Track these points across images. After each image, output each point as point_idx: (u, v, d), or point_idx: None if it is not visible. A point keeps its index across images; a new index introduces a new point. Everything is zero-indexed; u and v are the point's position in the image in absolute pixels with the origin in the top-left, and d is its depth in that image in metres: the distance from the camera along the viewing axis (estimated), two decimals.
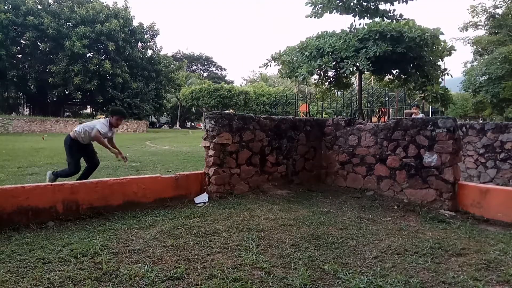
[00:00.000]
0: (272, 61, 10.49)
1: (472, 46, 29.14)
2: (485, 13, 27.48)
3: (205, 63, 62.55)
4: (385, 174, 4.66)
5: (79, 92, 30.26)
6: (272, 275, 2.30)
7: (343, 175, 5.32)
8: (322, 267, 2.43)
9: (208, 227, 3.24)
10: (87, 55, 29.57)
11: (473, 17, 28.06)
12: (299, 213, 3.83)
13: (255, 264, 2.45)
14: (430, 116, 16.90)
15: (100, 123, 4.91)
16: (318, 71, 9.92)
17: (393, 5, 10.10)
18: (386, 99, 20.88)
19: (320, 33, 9.89)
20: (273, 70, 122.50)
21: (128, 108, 31.83)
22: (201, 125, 41.62)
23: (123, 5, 32.55)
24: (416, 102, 17.10)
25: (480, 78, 21.83)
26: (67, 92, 30.06)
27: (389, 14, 10.21)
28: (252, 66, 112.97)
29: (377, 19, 9.76)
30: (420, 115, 11.06)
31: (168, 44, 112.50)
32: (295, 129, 5.40)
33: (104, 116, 30.43)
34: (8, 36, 26.64)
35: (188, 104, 33.92)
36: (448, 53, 9.35)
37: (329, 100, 17.36)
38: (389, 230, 3.27)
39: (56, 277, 2.20)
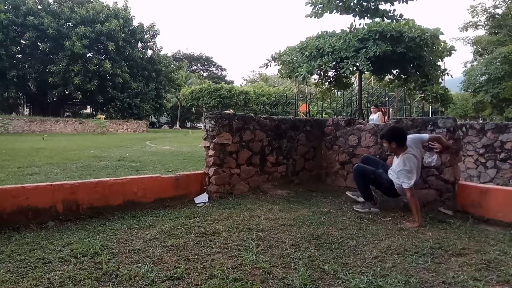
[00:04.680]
0: (272, 61, 10.50)
1: (472, 46, 29.15)
2: (485, 13, 27.49)
3: (205, 63, 62.55)
4: None
5: (79, 92, 30.27)
6: (272, 275, 2.30)
7: (343, 175, 5.32)
8: (322, 267, 2.43)
9: (208, 227, 3.24)
10: (87, 55, 29.58)
11: (473, 17, 28.08)
12: (299, 213, 3.83)
13: (255, 264, 2.44)
14: (430, 116, 16.88)
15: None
16: (318, 71, 9.92)
17: (393, 5, 10.11)
18: (386, 99, 20.89)
19: (320, 33, 9.90)
20: (273, 70, 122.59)
21: (128, 108, 31.90)
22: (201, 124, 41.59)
23: (123, 5, 32.58)
24: (375, 103, 17.17)
25: (480, 78, 21.83)
26: (67, 92, 30.06)
27: (389, 14, 10.22)
28: (252, 66, 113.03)
29: (377, 19, 9.76)
30: (376, 115, 11.23)
31: (168, 44, 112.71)
32: (295, 129, 5.40)
33: (104, 117, 30.55)
34: (8, 36, 26.64)
35: (188, 104, 33.89)
36: (448, 53, 9.36)
37: (329, 100, 17.36)
38: (389, 230, 3.27)
39: (56, 277, 2.20)
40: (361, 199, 4.12)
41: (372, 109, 12.04)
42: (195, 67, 61.25)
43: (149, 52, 35.38)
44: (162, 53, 36.05)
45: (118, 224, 3.29)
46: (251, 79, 62.85)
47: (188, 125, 54.53)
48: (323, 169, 5.67)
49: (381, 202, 4.30)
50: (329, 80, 10.85)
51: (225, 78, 61.28)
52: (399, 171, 3.70)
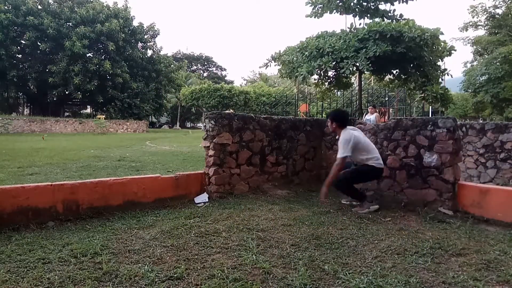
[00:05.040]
0: (272, 61, 10.52)
1: (472, 46, 29.17)
2: (485, 13, 27.51)
3: (205, 63, 62.54)
4: (385, 174, 4.64)
5: (79, 92, 30.25)
6: (272, 275, 2.30)
7: None
8: (322, 267, 2.43)
9: (208, 227, 3.24)
10: (87, 55, 29.57)
11: (473, 17, 28.11)
12: (299, 213, 3.83)
13: (255, 264, 2.44)
14: (430, 116, 16.88)
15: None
16: (318, 71, 9.94)
17: (393, 5, 10.12)
18: (386, 99, 20.90)
19: (320, 33, 9.91)
20: (273, 70, 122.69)
21: (128, 108, 31.89)
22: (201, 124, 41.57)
23: (123, 5, 32.58)
24: (373, 103, 16.31)
25: (480, 78, 21.83)
26: (67, 92, 30.06)
27: (389, 14, 10.24)
28: (252, 66, 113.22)
29: (377, 19, 9.77)
30: (373, 116, 10.53)
31: (168, 44, 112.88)
32: (295, 129, 5.40)
33: (104, 117, 30.56)
34: (8, 36, 26.63)
35: (188, 104, 33.94)
36: (448, 53, 9.37)
37: (329, 100, 17.37)
38: (389, 230, 3.27)
39: (56, 277, 2.20)
40: (356, 202, 4.17)
41: (369, 109, 11.28)
42: (195, 67, 61.24)
43: (149, 52, 35.38)
44: (162, 53, 36.05)
45: (118, 224, 3.28)
46: (251, 79, 62.87)
47: (188, 125, 54.53)
48: (323, 169, 5.66)
49: (381, 202, 4.31)
50: (329, 80, 10.86)
51: (225, 78, 61.30)
52: (339, 144, 4.06)
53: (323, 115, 21.52)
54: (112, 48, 28.94)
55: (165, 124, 52.62)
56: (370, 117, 10.48)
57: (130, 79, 30.93)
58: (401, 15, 10.29)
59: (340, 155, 3.94)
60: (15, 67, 28.33)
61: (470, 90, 23.24)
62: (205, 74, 60.73)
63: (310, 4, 10.19)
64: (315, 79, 11.31)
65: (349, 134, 4.01)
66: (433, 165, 4.10)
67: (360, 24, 10.20)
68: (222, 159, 4.47)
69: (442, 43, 9.31)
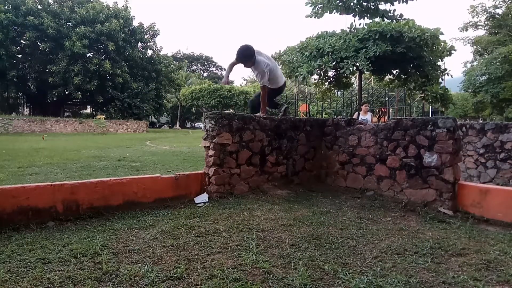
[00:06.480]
0: None
1: (472, 46, 29.20)
2: (485, 13, 27.53)
3: (205, 63, 62.60)
4: (385, 174, 4.66)
5: (79, 92, 30.26)
6: (272, 275, 2.30)
7: (343, 175, 5.32)
8: (322, 267, 2.43)
9: (208, 227, 3.23)
10: (87, 55, 29.58)
11: (473, 17, 28.15)
12: (299, 213, 3.83)
13: (255, 264, 2.44)
14: (430, 116, 16.86)
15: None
16: (318, 71, 9.95)
17: (393, 5, 10.14)
18: (386, 99, 20.90)
19: (320, 33, 9.92)
20: None
21: (128, 108, 31.90)
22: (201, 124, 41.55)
23: (123, 5, 32.58)
24: (362, 100, 14.61)
25: (480, 78, 21.84)
26: (67, 92, 30.06)
27: (389, 14, 10.25)
28: None
29: (377, 19, 9.79)
30: (368, 115, 9.39)
31: (168, 44, 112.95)
32: (295, 129, 5.40)
33: (104, 117, 30.58)
34: (8, 36, 26.64)
35: (188, 104, 33.94)
36: (448, 53, 9.39)
37: (329, 100, 17.37)
38: (389, 230, 3.27)
39: (56, 277, 2.20)
40: None
41: (362, 107, 9.67)
42: (195, 67, 61.28)
43: (149, 52, 35.40)
44: (162, 53, 36.06)
45: (118, 224, 3.28)
46: (251, 79, 62.83)
47: (188, 125, 54.54)
48: (323, 169, 5.67)
49: (381, 203, 4.32)
50: (329, 80, 10.87)
51: None
52: (257, 75, 5.16)
53: (323, 115, 21.51)
54: (112, 48, 28.93)
55: (165, 124, 52.63)
56: (367, 117, 9.34)
57: (130, 79, 30.93)
58: (401, 15, 10.31)
59: (261, 84, 5.19)
60: (15, 67, 28.34)
61: (470, 90, 23.26)
62: (205, 74, 60.77)
63: (310, 4, 10.20)
64: (315, 79, 11.32)
65: (265, 64, 5.05)
66: (433, 165, 4.10)
67: (360, 24, 10.21)
68: (222, 159, 4.47)
69: (442, 43, 9.33)
